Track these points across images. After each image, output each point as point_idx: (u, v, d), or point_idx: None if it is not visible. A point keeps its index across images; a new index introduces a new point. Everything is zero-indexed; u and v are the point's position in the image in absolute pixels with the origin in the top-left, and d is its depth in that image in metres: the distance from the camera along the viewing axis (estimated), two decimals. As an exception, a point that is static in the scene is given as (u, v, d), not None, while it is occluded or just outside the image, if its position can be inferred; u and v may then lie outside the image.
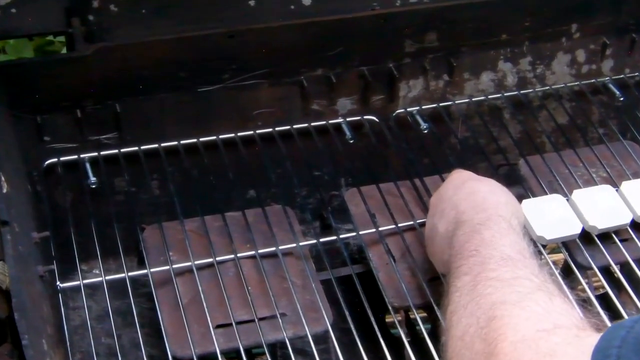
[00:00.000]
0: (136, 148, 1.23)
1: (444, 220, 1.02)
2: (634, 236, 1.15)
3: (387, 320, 1.19)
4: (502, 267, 0.88)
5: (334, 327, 1.06)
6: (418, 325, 1.06)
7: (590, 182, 1.24)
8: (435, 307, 1.03)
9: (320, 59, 1.29)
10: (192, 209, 1.17)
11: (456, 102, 1.37)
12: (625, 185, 1.19)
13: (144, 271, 1.10)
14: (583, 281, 1.11)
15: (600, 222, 1.14)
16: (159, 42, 1.20)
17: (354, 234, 1.17)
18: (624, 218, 1.15)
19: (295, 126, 1.29)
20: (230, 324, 1.04)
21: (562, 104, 1.41)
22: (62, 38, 1.37)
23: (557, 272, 1.10)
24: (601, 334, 0.72)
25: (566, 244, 1.14)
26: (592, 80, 1.43)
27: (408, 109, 1.35)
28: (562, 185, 1.22)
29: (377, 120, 1.33)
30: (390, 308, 1.09)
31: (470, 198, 1.02)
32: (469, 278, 0.89)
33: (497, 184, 1.06)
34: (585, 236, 1.14)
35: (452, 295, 0.89)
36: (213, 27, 1.22)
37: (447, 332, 0.86)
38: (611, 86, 1.42)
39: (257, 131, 1.27)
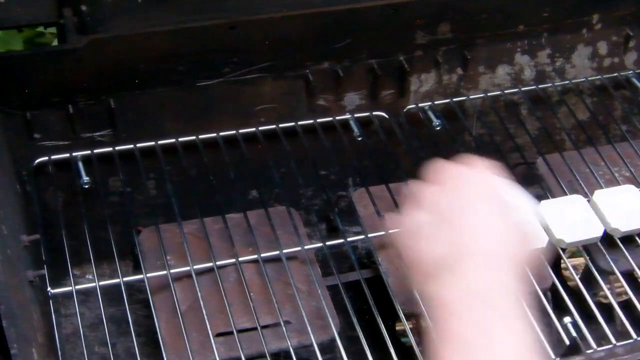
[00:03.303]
0: (132, 146, 1.23)
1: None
2: (659, 239, 1.15)
3: (397, 328, 1.19)
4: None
5: (341, 335, 1.06)
6: (430, 333, 1.06)
7: (612, 182, 1.24)
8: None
9: (327, 51, 1.29)
10: (190, 210, 1.17)
11: (470, 97, 1.37)
12: (650, 185, 1.19)
13: (140, 276, 1.10)
14: (605, 287, 1.11)
15: (624, 224, 1.13)
16: (155, 33, 1.20)
17: (362, 236, 1.17)
18: (649, 220, 1.15)
19: (300, 123, 1.29)
20: (231, 332, 1.04)
21: (582, 99, 1.40)
22: (53, 29, 1.37)
23: (577, 278, 1.10)
24: None
25: (587, 248, 1.14)
26: (615, 74, 1.42)
27: (419, 105, 1.35)
28: (583, 185, 1.22)
29: (386, 116, 1.34)
30: (400, 315, 1.08)
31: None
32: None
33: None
34: (608, 239, 1.14)
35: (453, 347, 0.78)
36: (213, 17, 1.22)
37: None
38: (635, 80, 1.41)
39: (260, 128, 1.28)
